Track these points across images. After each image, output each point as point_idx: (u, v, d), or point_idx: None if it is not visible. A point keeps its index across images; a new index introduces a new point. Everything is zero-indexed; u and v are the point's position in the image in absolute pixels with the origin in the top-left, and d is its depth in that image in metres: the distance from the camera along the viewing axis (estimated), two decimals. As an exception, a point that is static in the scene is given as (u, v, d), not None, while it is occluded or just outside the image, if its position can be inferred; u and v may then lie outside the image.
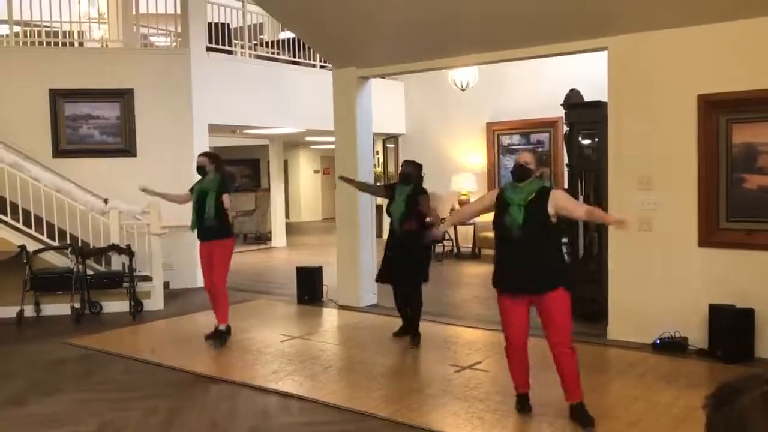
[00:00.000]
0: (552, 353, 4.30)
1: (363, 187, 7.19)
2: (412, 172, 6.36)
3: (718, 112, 5.72)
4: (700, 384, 5.11)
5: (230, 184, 6.72)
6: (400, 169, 6.59)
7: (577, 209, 4.51)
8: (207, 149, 8.41)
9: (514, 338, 4.38)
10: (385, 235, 6.97)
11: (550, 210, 4.23)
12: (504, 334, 4.47)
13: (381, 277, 6.64)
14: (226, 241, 6.57)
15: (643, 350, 5.91)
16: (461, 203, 12.02)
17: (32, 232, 7.93)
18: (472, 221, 11.87)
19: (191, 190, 6.64)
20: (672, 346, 5.85)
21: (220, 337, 6.50)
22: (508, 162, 11.60)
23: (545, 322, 4.30)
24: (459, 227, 12.23)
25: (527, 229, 4.20)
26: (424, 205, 6.15)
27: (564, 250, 5.24)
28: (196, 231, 6.58)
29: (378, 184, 7.17)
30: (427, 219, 6.13)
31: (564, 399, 4.35)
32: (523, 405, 4.52)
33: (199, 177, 6.62)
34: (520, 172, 4.34)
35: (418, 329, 6.36)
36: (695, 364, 5.56)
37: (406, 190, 6.29)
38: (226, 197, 6.45)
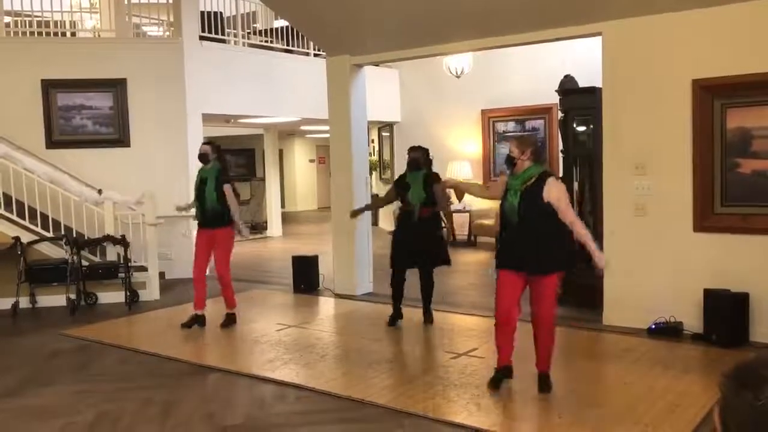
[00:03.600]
0: (534, 326, 4.55)
1: (374, 205, 7.13)
2: (420, 157, 6.41)
3: (713, 96, 5.71)
4: (696, 369, 5.13)
5: (228, 173, 6.72)
6: (407, 156, 6.58)
7: (568, 214, 4.42)
8: (201, 139, 8.39)
9: (505, 307, 4.49)
10: (381, 224, 6.96)
11: (544, 197, 4.33)
12: (495, 305, 4.58)
13: (401, 263, 6.50)
14: (229, 229, 6.59)
15: (639, 335, 5.92)
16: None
17: (26, 223, 7.90)
18: (467, 208, 11.88)
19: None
20: (667, 331, 5.87)
21: (232, 321, 6.70)
22: (504, 149, 11.58)
23: (534, 299, 4.51)
24: (455, 215, 12.21)
25: (524, 214, 4.36)
26: (438, 197, 6.24)
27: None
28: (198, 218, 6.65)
29: (379, 195, 7.17)
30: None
31: (535, 365, 4.62)
32: (499, 381, 4.61)
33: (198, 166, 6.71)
34: (507, 162, 4.56)
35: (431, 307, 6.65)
36: (690, 349, 5.58)
37: (419, 175, 6.31)
38: (228, 188, 6.51)
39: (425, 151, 6.48)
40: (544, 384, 4.59)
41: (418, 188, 6.30)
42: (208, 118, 10.28)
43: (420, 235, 6.32)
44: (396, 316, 6.59)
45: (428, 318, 6.59)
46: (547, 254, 4.37)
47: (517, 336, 4.61)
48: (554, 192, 4.36)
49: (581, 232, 4.40)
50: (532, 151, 4.45)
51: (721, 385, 1.12)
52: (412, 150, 6.54)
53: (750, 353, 5.32)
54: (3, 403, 4.79)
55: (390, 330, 6.44)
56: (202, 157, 6.60)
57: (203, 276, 6.67)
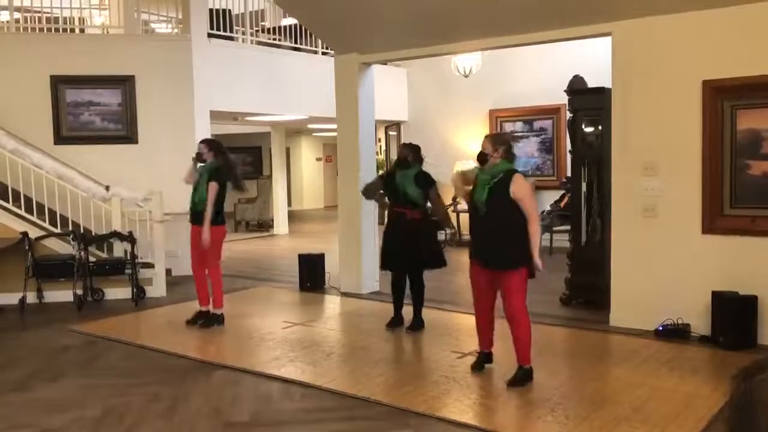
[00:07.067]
0: (507, 320, 4.75)
1: (380, 199, 6.77)
2: (408, 155, 6.25)
3: (723, 98, 5.68)
4: (703, 371, 5.11)
5: (224, 174, 6.51)
6: (398, 152, 6.51)
7: (529, 208, 4.63)
8: (209, 136, 8.40)
9: (478, 299, 4.89)
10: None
11: (511, 193, 4.57)
12: (472, 295, 4.98)
13: (391, 265, 6.37)
14: (216, 227, 6.46)
15: (646, 337, 5.90)
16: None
17: (34, 218, 7.92)
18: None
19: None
20: (674, 333, 5.85)
21: (218, 321, 6.64)
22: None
23: (502, 294, 4.71)
24: (461, 214, 12.20)
25: (491, 207, 4.59)
26: (433, 202, 6.17)
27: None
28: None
29: (372, 182, 6.96)
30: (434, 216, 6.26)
31: (516, 360, 4.76)
32: (480, 363, 5.01)
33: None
34: (480, 158, 4.76)
35: (421, 315, 6.38)
36: (697, 351, 5.55)
37: (411, 173, 6.16)
38: (212, 186, 6.38)
39: (417, 149, 6.28)
40: (513, 377, 4.71)
41: (411, 185, 6.11)
42: (215, 116, 10.29)
43: (412, 236, 6.14)
44: (397, 321, 6.45)
45: (414, 325, 6.33)
46: (506, 249, 4.61)
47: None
48: (518, 191, 4.58)
49: (534, 229, 4.63)
50: (505, 149, 4.69)
51: (732, 378, 1.14)
52: (403, 147, 6.43)
53: (757, 356, 5.30)
54: (11, 397, 4.81)
55: (395, 329, 6.41)
56: (198, 156, 6.57)
57: (202, 272, 6.65)
